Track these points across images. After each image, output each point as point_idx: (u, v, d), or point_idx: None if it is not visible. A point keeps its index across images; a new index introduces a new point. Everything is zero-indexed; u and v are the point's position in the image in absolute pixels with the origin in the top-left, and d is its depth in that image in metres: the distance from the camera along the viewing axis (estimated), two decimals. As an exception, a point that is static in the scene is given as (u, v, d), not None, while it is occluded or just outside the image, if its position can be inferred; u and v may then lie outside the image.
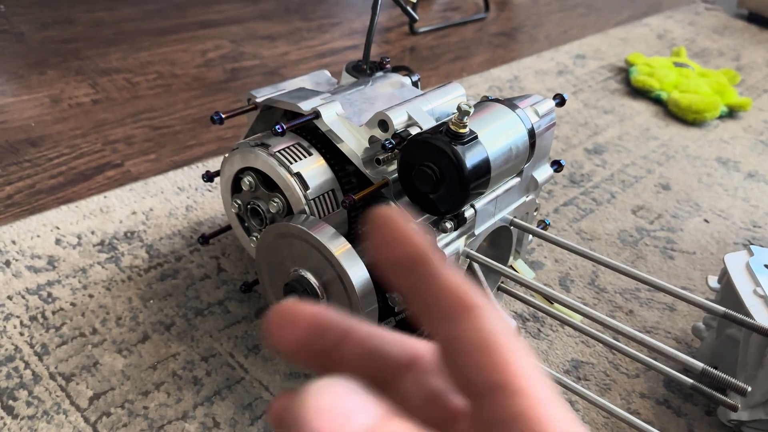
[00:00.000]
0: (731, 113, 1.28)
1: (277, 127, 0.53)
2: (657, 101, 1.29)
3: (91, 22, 1.31)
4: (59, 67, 1.12)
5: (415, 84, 0.68)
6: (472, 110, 0.47)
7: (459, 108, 0.47)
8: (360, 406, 0.15)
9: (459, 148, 0.48)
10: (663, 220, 0.93)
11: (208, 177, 0.66)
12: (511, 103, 0.55)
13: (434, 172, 0.49)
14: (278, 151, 0.55)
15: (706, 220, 0.94)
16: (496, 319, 0.18)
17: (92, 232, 0.75)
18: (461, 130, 0.48)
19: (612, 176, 1.02)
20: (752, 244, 0.81)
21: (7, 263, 0.69)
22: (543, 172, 0.61)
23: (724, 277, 0.63)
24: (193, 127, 1.00)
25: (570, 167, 1.03)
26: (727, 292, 0.62)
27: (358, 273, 0.51)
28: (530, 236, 0.66)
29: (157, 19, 1.37)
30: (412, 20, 1.46)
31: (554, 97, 0.60)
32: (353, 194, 0.51)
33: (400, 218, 0.19)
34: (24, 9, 1.33)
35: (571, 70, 1.40)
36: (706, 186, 1.03)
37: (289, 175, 0.55)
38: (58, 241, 0.73)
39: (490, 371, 0.17)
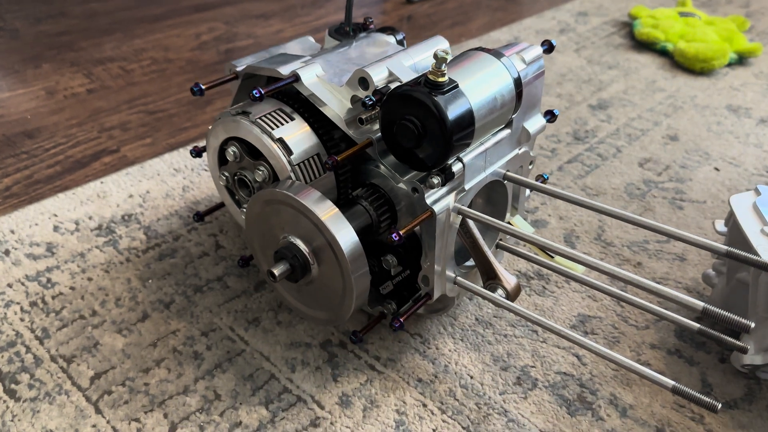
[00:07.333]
0: (741, 60, 1.24)
1: (254, 92, 0.52)
2: (663, 53, 1.25)
3: (85, 14, 1.30)
4: (54, 60, 1.12)
5: (400, 42, 0.66)
6: (449, 57, 0.45)
7: (435, 56, 0.45)
8: None
9: (439, 99, 0.46)
10: (671, 171, 0.90)
11: (197, 152, 0.65)
12: (496, 52, 0.53)
13: (416, 125, 0.47)
14: (259, 118, 0.54)
15: (716, 168, 0.91)
16: None
17: (90, 218, 0.75)
18: (440, 80, 0.46)
19: (617, 131, 0.99)
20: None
21: (7, 252, 0.69)
22: (535, 123, 0.59)
23: (731, 219, 0.61)
24: (188, 110, 0.99)
25: (574, 124, 1.00)
26: (734, 234, 0.60)
27: (346, 237, 0.50)
28: (528, 191, 0.65)
29: (150, 6, 1.36)
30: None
31: (542, 44, 0.58)
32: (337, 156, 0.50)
33: None
34: (18, 5, 1.33)
35: (573, 28, 1.36)
36: (716, 134, 1.00)
37: (271, 142, 0.54)
38: (56, 228, 0.73)
39: None
